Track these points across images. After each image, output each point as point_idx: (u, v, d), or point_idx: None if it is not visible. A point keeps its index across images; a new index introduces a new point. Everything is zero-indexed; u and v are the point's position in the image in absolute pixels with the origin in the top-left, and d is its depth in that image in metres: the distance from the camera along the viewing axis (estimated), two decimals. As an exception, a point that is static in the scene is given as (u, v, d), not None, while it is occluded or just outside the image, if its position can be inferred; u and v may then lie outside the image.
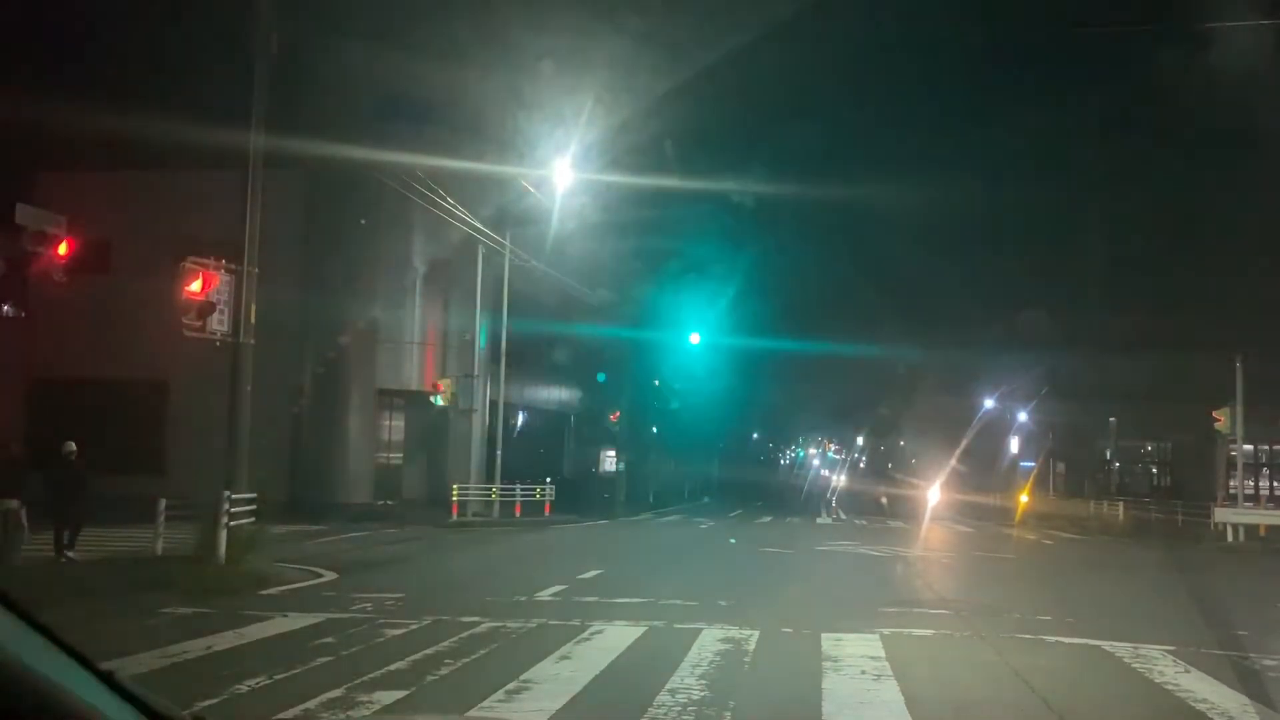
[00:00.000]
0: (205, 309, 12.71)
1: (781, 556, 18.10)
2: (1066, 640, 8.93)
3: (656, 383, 49.56)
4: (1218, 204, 41.75)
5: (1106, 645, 8.65)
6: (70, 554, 13.84)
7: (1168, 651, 8.37)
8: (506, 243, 27.21)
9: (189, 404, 26.34)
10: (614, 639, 8.54)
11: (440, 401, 26.53)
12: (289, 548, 16.32)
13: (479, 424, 29.39)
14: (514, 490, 27.46)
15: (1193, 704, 6.57)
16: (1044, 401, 44.50)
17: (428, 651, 7.80)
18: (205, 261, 12.88)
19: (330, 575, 13.29)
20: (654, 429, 47.16)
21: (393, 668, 7.16)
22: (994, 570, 16.92)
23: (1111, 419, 42.85)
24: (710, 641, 8.43)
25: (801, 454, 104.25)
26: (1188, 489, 37.56)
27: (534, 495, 27.94)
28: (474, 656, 7.70)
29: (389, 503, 28.44)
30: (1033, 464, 50.21)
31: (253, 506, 13.68)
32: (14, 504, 13.09)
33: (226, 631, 8.62)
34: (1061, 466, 45.83)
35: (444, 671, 7.13)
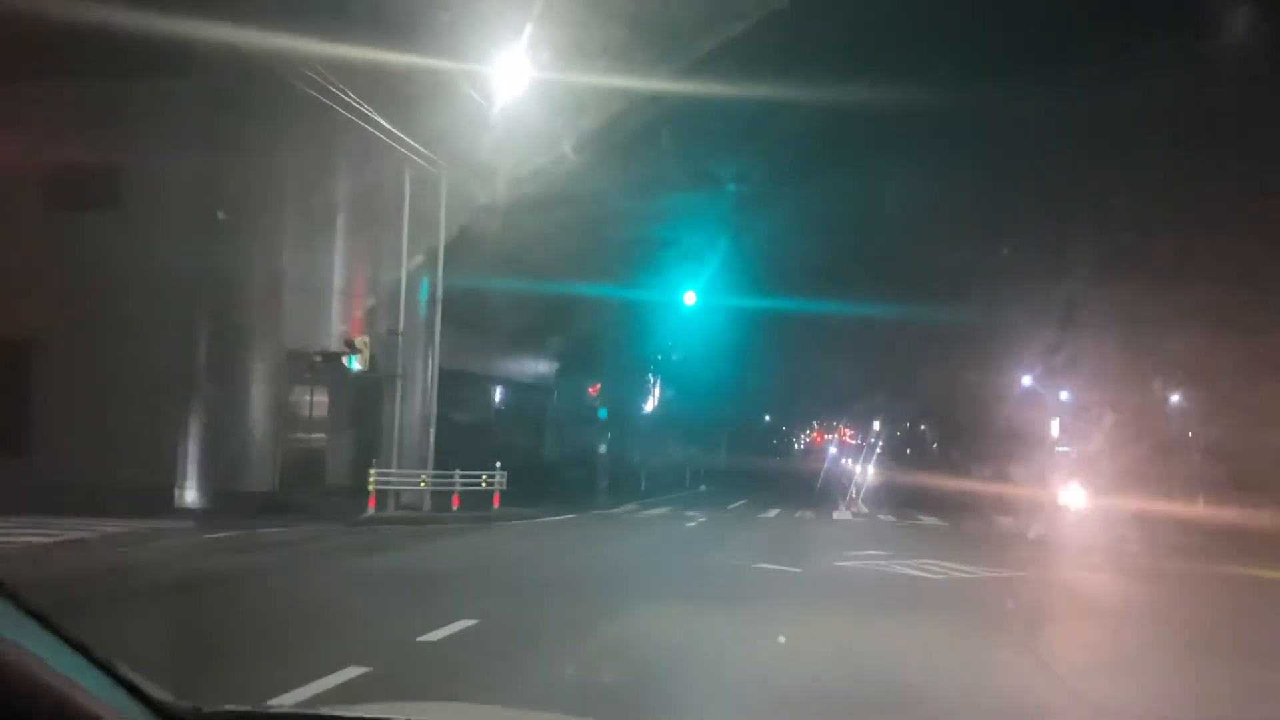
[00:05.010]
0: None
1: (782, 582, 12.27)
2: None
3: (660, 358, 44.35)
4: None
5: None
6: None
7: None
8: (441, 165, 21.44)
9: (63, 370, 21.04)
10: None
11: (355, 365, 20.85)
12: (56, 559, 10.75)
13: (419, 395, 23.76)
14: (452, 478, 21.71)
15: None
16: (1099, 382, 38.74)
17: None
18: None
19: None
20: (646, 409, 41.63)
21: None
22: (1153, 624, 10.67)
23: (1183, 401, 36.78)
24: None
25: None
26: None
27: (479, 484, 22.22)
28: None
29: (298, 492, 22.77)
30: (1068, 449, 44.11)
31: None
32: None
33: None
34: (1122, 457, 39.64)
35: None
